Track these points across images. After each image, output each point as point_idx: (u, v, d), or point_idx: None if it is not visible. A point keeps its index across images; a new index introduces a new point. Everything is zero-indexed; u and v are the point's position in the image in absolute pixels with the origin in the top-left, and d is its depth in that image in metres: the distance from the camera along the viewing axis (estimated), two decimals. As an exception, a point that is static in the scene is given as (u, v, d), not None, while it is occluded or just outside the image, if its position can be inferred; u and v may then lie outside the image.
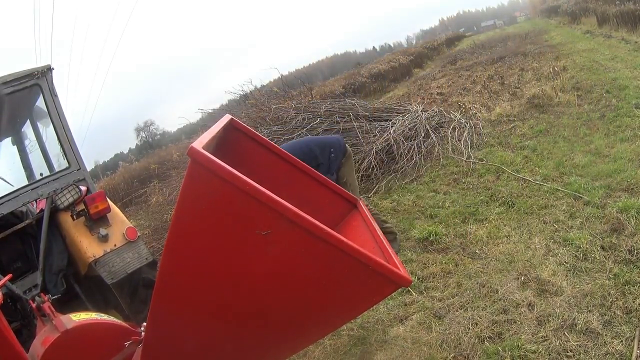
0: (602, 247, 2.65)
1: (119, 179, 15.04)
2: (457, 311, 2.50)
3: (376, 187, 5.01)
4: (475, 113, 6.60)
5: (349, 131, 5.90)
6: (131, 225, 2.78)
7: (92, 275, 2.67)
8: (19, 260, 2.82)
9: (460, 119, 6.24)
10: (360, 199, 2.00)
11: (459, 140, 5.56)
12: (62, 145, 2.92)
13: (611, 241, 2.68)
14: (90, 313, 1.80)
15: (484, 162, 4.78)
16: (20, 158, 3.74)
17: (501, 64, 11.59)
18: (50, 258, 2.71)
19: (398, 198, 4.55)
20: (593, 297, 2.26)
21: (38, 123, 3.42)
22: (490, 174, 4.42)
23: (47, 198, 2.77)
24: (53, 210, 2.75)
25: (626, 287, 2.26)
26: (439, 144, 5.55)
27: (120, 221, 2.76)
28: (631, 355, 1.86)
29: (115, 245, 2.65)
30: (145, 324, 1.52)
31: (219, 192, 1.09)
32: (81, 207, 2.69)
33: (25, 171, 3.66)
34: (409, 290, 2.81)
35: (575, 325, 2.10)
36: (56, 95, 2.91)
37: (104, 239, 2.64)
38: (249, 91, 8.54)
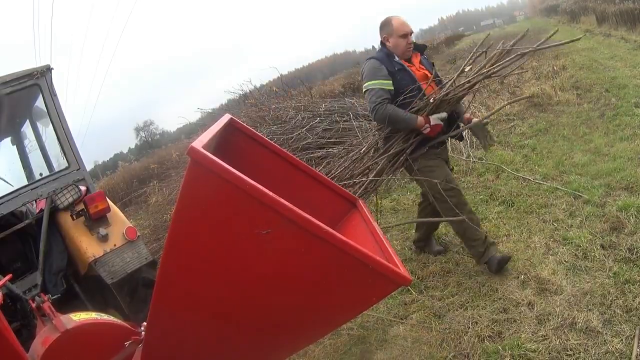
0: (602, 246, 2.65)
1: (119, 178, 15.03)
2: (457, 310, 2.50)
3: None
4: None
5: (348, 130, 5.88)
6: (131, 225, 2.78)
7: (91, 275, 2.67)
8: (19, 261, 2.82)
9: (459, 118, 6.22)
10: None
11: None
12: (61, 145, 2.91)
13: (611, 240, 2.67)
14: (90, 313, 1.79)
15: (483, 161, 4.77)
16: (20, 158, 3.74)
17: (500, 63, 11.56)
18: (50, 258, 2.71)
19: (398, 197, 4.55)
20: (593, 295, 2.26)
21: (37, 123, 3.42)
22: (490, 173, 4.41)
23: (46, 198, 2.77)
24: (53, 210, 2.74)
25: (626, 286, 2.26)
26: (438, 143, 5.54)
27: (120, 221, 2.76)
28: (631, 353, 1.86)
29: (115, 245, 2.65)
30: (145, 323, 1.52)
31: (219, 192, 1.09)
32: (81, 207, 2.69)
33: (24, 171, 3.66)
34: (409, 290, 2.81)
35: (575, 324, 2.10)
36: (55, 95, 2.90)
37: (104, 238, 2.64)
38: (248, 91, 8.53)
